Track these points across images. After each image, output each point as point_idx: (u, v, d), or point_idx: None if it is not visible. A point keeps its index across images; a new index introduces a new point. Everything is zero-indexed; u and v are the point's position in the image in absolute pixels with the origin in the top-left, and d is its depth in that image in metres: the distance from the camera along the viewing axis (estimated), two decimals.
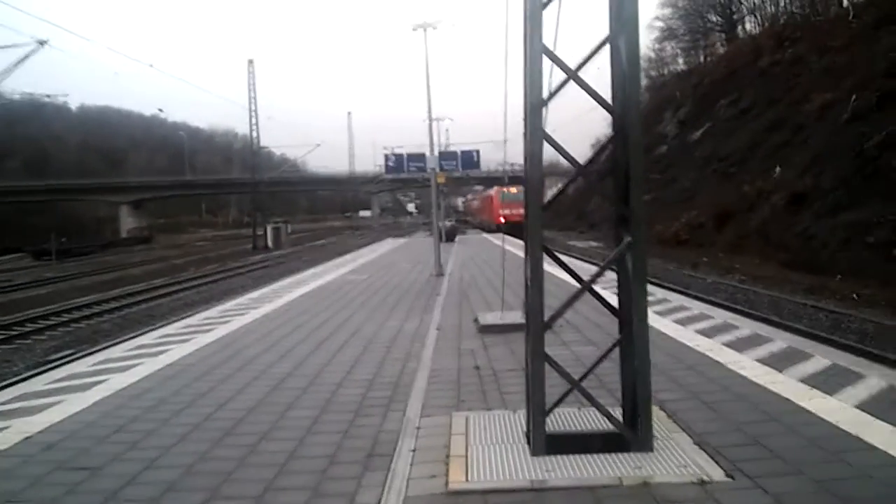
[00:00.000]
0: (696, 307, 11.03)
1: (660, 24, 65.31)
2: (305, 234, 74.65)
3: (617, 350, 5.04)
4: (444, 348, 8.72)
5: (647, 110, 52.29)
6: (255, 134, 64.27)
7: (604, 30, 4.67)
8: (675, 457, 4.68)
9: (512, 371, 7.24)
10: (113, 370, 8.05)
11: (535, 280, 4.73)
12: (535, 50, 4.59)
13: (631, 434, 4.84)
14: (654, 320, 7.99)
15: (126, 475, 4.72)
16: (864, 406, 5.50)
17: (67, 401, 6.71)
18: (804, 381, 6.32)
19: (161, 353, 9.01)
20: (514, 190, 55.45)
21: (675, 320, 9.74)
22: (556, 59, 4.65)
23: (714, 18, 61.22)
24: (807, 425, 5.16)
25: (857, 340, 12.26)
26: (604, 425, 5.18)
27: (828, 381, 6.25)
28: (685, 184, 41.06)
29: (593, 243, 39.43)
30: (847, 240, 22.41)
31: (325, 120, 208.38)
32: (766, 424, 5.23)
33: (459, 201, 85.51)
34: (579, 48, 4.79)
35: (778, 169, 30.72)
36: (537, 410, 4.80)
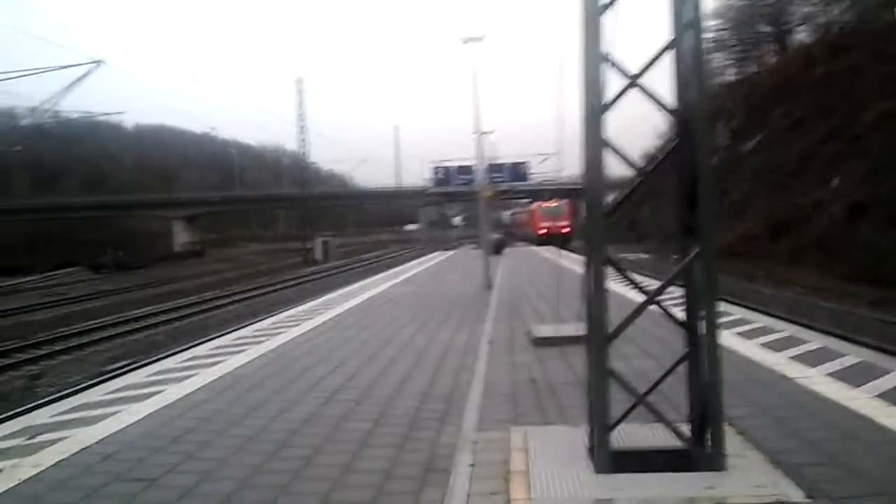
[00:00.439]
0: (759, 320, 10.64)
1: (709, 34, 64.36)
2: (353, 248, 75.22)
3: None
4: (497, 361, 8.56)
5: None
6: (303, 150, 65.24)
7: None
8: (748, 476, 4.42)
9: (569, 385, 7.04)
10: (168, 381, 8.09)
11: (597, 292, 4.56)
12: (593, 56, 4.45)
13: (700, 452, 4.62)
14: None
15: (182, 487, 4.67)
16: None
17: (124, 411, 6.74)
18: (881, 396, 5.99)
19: (215, 364, 9.04)
20: (552, 204, 59.93)
21: (737, 333, 9.40)
22: (616, 65, 4.50)
23: (764, 28, 59.94)
24: (889, 444, 4.86)
25: None
26: (669, 442, 4.96)
27: None
28: (737, 196, 40.12)
29: (643, 255, 38.75)
30: None
31: (372, 134, 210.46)
32: (843, 443, 4.95)
33: (506, 214, 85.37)
34: (629, 54, 4.63)
35: (836, 179, 29.82)
36: (601, 426, 4.61)
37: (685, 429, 4.79)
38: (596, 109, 4.45)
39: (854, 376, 6.72)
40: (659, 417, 4.73)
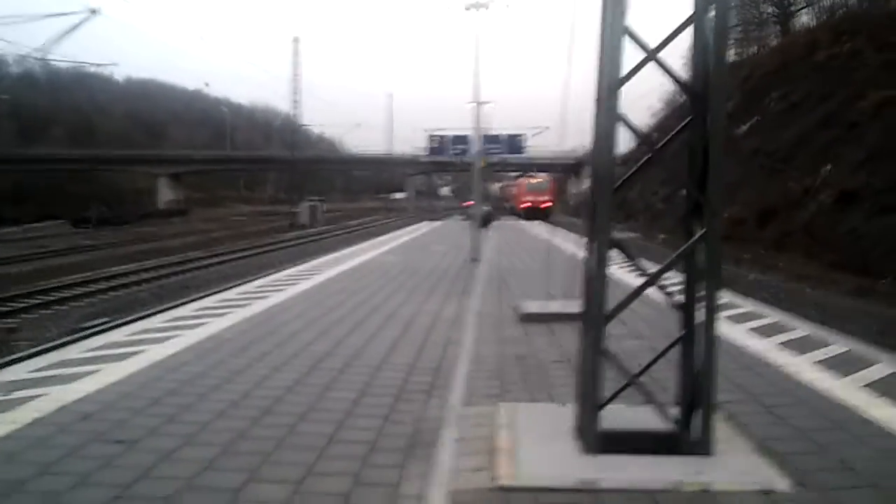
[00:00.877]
0: (745, 305, 10.63)
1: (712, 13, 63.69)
2: (340, 214, 74.85)
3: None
4: (484, 335, 8.49)
5: None
6: (296, 112, 64.53)
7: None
8: (736, 463, 4.40)
9: (557, 363, 6.99)
10: (150, 341, 7.96)
11: (599, 269, 4.47)
12: (616, 28, 4.31)
13: (688, 436, 4.58)
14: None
15: (163, 451, 4.58)
16: None
17: (104, 370, 6.62)
18: (869, 387, 5.97)
19: (198, 325, 8.92)
20: (535, 180, 63.19)
21: (725, 317, 9.37)
22: (636, 39, 4.36)
23: (770, 9, 59.54)
24: (877, 436, 4.85)
25: None
26: (656, 424, 4.93)
27: (892, 389, 5.90)
28: (728, 178, 40.00)
29: (631, 234, 38.76)
30: None
31: (365, 100, 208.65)
32: (831, 433, 4.93)
33: (496, 187, 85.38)
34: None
35: (829, 166, 29.82)
36: (591, 406, 4.56)
37: (673, 412, 4.75)
38: (613, 83, 4.32)
39: (841, 365, 6.70)
40: (650, 399, 4.68)
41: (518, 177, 73.78)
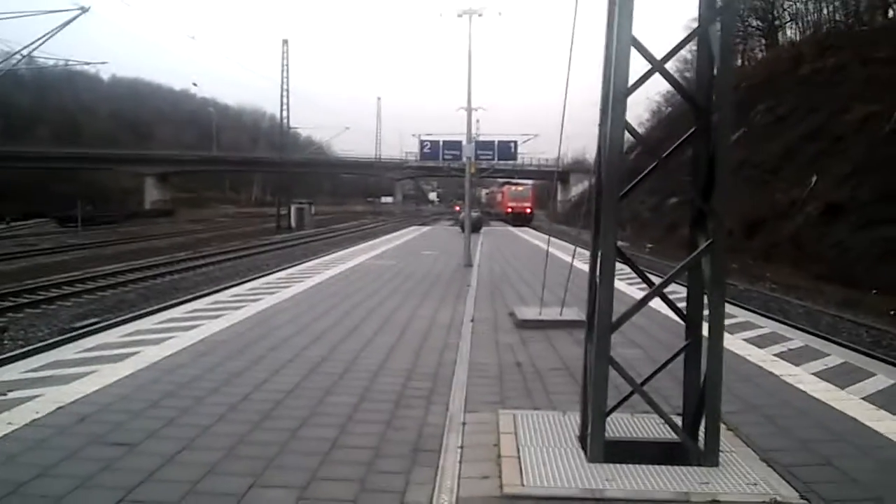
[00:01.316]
0: (741, 315, 10.66)
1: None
2: (328, 217, 74.60)
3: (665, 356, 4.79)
4: (481, 341, 8.46)
5: (678, 113, 51.61)
6: (285, 114, 64.29)
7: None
8: (742, 473, 4.40)
9: (556, 370, 6.98)
10: (145, 343, 7.87)
11: (605, 278, 4.46)
12: (623, 38, 4.31)
13: (694, 446, 4.57)
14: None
15: (164, 454, 4.52)
16: None
17: (100, 372, 6.54)
18: (868, 399, 6.00)
19: (192, 328, 8.84)
20: (519, 188, 69.08)
21: None
22: (642, 50, 4.37)
23: (755, 23, 60.04)
24: (880, 448, 4.86)
25: None
26: (659, 434, 4.93)
27: (891, 401, 5.93)
28: None
29: (619, 243, 38.87)
30: (884, 254, 21.87)
31: (354, 104, 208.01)
32: (834, 444, 4.94)
33: (484, 193, 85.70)
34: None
35: (815, 178, 30.09)
36: (598, 415, 4.54)
37: (677, 422, 4.75)
38: (620, 92, 4.32)
39: (839, 377, 6.74)
40: (655, 409, 4.67)
41: (503, 184, 75.24)
